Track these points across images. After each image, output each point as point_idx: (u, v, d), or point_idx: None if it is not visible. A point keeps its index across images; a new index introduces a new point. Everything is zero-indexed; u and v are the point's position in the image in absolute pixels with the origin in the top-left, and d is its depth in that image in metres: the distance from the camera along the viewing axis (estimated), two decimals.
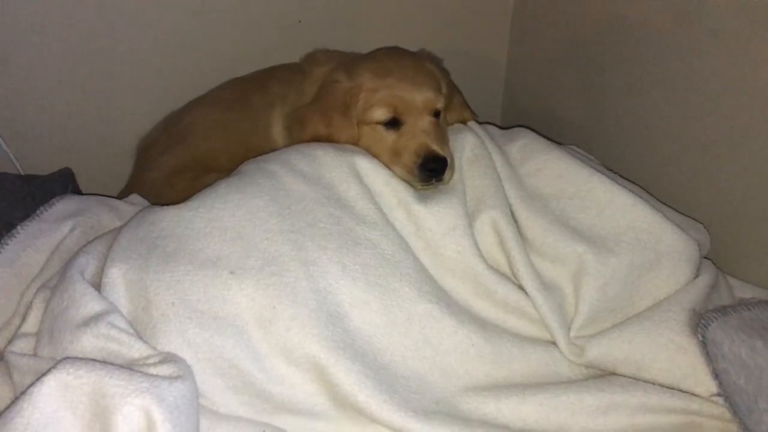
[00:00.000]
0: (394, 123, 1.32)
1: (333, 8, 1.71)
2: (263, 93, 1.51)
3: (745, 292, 1.26)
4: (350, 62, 1.41)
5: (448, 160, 1.29)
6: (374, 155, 1.31)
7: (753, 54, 1.21)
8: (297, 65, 1.54)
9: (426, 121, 1.32)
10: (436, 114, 1.35)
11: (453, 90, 1.46)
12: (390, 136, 1.32)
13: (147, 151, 1.54)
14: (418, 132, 1.31)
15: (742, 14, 1.21)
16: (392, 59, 1.39)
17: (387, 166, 1.30)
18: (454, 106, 1.45)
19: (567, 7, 1.69)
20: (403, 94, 1.31)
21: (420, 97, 1.32)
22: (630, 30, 1.49)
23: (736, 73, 1.25)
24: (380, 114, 1.32)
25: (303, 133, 1.37)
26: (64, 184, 1.42)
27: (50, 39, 1.49)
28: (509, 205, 1.28)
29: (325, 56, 1.50)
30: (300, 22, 1.69)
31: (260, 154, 1.31)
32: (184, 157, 1.44)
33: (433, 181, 1.28)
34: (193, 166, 1.42)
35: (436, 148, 1.29)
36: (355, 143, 1.34)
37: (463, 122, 1.44)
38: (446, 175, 1.29)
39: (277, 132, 1.47)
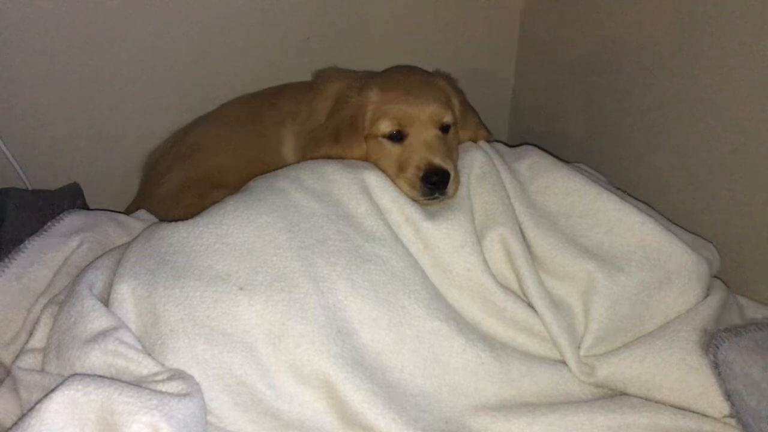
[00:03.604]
0: (398, 136, 1.32)
1: (340, 27, 1.72)
2: (274, 111, 1.51)
3: (755, 312, 1.25)
4: (362, 79, 1.42)
5: (451, 174, 1.27)
6: (381, 169, 1.31)
7: (757, 70, 1.21)
8: (307, 83, 1.54)
9: (430, 134, 1.32)
10: (444, 129, 1.34)
11: (467, 109, 1.46)
12: (395, 149, 1.33)
13: (155, 166, 1.55)
14: (421, 145, 1.31)
15: (744, 34, 1.21)
16: (402, 75, 1.41)
17: (393, 180, 1.29)
18: (469, 126, 1.44)
19: (573, 28, 1.70)
20: (406, 107, 1.31)
21: (424, 109, 1.31)
22: (633, 50, 1.49)
23: (741, 90, 1.25)
24: (385, 126, 1.32)
25: (315, 152, 1.37)
26: (72, 199, 1.43)
27: (58, 54, 1.49)
28: (518, 223, 1.28)
29: (336, 73, 1.50)
30: (308, 39, 1.70)
31: (269, 171, 1.31)
32: (191, 174, 1.44)
33: (437, 195, 1.27)
34: (200, 182, 1.41)
35: (437, 161, 1.28)
36: (364, 158, 1.34)
37: (476, 141, 1.43)
38: (450, 189, 1.28)
39: (288, 149, 1.48)
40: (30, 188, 1.54)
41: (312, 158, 1.36)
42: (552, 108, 1.87)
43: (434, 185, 1.27)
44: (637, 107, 1.52)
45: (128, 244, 1.15)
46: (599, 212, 1.28)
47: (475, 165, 1.34)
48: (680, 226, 1.33)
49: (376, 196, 1.26)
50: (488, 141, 1.44)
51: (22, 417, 0.85)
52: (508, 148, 1.44)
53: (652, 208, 1.36)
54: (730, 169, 1.31)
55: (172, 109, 1.62)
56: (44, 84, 1.52)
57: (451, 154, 1.34)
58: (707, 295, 1.22)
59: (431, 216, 1.24)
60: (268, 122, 1.50)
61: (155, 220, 1.34)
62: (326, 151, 1.35)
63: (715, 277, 1.29)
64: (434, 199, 1.28)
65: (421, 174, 1.27)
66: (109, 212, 1.35)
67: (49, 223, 1.24)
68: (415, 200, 1.28)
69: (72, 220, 1.26)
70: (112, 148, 1.64)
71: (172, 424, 0.84)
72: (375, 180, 1.27)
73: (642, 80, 1.49)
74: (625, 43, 1.52)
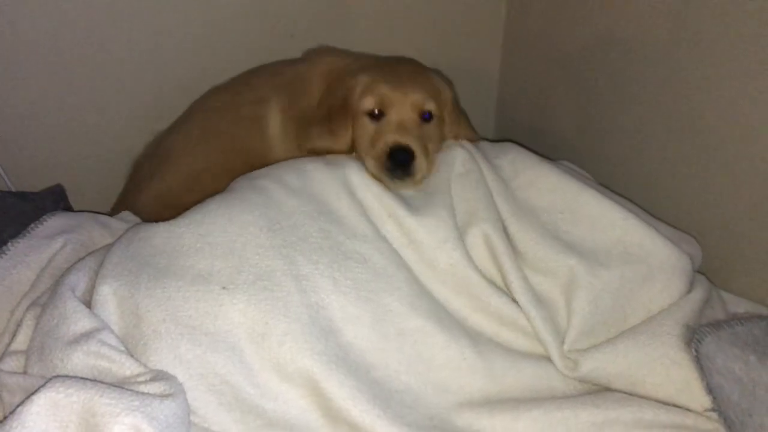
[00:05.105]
0: (378, 115, 1.34)
1: (325, 23, 1.72)
2: (250, 90, 1.50)
3: (738, 306, 1.26)
4: (358, 61, 1.45)
5: (416, 153, 1.28)
6: (357, 146, 1.35)
7: (745, 68, 1.22)
8: (286, 60, 1.54)
9: (407, 117, 1.33)
10: (425, 117, 1.35)
11: (457, 110, 1.47)
12: (371, 126, 1.34)
13: (136, 172, 1.53)
14: (394, 125, 1.32)
15: (733, 29, 1.22)
16: (398, 63, 1.44)
17: (363, 156, 1.32)
18: (456, 126, 1.45)
19: (559, 21, 1.70)
20: (391, 88, 1.33)
21: (407, 94, 1.33)
22: (622, 45, 1.50)
23: (728, 87, 1.26)
24: (367, 103, 1.34)
25: (307, 133, 1.39)
26: (55, 200, 1.42)
27: (41, 56, 1.49)
28: (501, 219, 1.28)
29: (331, 50, 1.52)
30: (292, 36, 1.70)
31: (251, 160, 1.32)
32: (168, 180, 1.43)
33: (401, 175, 1.28)
34: (178, 191, 1.40)
35: (404, 140, 1.29)
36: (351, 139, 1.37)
37: (457, 138, 1.44)
38: (416, 171, 1.29)
39: (274, 125, 1.47)
40: (13, 190, 1.53)
41: (304, 140, 1.39)
42: (538, 103, 1.88)
43: (398, 164, 1.27)
44: (626, 102, 1.53)
45: (111, 246, 1.15)
46: (581, 208, 1.28)
47: (457, 162, 1.34)
48: (663, 221, 1.34)
49: (358, 193, 1.26)
50: (474, 141, 1.44)
51: (4, 420, 0.85)
52: (489, 144, 1.45)
53: (636, 202, 1.37)
54: (714, 164, 1.32)
55: (156, 110, 1.61)
56: (27, 85, 1.51)
57: (428, 143, 1.34)
58: (690, 290, 1.23)
59: (414, 212, 1.25)
60: (245, 102, 1.48)
61: (139, 221, 1.34)
62: (318, 130, 1.38)
63: (698, 272, 1.29)
64: (399, 180, 1.28)
65: (387, 150, 1.28)
66: (92, 214, 1.34)
67: (32, 225, 1.23)
68: (380, 179, 1.29)
69: (55, 221, 1.25)
70: (96, 150, 1.64)
71: (154, 425, 0.84)
72: (357, 177, 1.27)
73: (629, 74, 1.50)
74: (612, 37, 1.52)
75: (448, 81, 1.48)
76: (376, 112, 1.34)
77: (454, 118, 1.44)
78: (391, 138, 1.30)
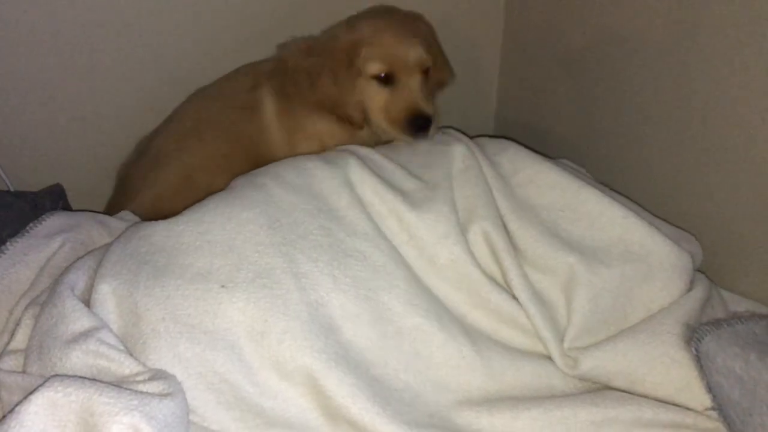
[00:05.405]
0: (387, 79, 1.40)
1: (326, 24, 1.70)
2: (240, 80, 1.51)
3: (738, 305, 1.25)
4: (347, 20, 1.47)
5: (433, 119, 1.40)
6: (366, 109, 1.42)
7: (747, 67, 1.21)
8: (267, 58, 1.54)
9: (416, 80, 1.41)
10: (425, 72, 1.42)
11: (439, 50, 1.54)
12: (383, 91, 1.40)
13: (124, 180, 1.52)
14: (408, 90, 1.40)
15: (735, 28, 1.22)
16: (390, 16, 1.46)
17: (376, 119, 1.42)
18: (438, 65, 1.51)
19: (559, 20, 1.70)
20: (398, 51, 1.39)
21: (412, 54, 1.39)
22: (622, 44, 1.49)
23: (729, 87, 1.25)
24: (376, 68, 1.39)
25: (313, 92, 1.41)
26: (54, 200, 1.42)
27: (39, 55, 1.48)
28: (501, 216, 1.28)
29: (299, 40, 1.50)
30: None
31: (248, 153, 1.34)
32: (161, 184, 1.42)
33: (417, 136, 1.39)
34: (171, 195, 1.40)
35: (423, 106, 1.39)
36: (359, 100, 1.42)
37: (442, 82, 1.54)
38: (431, 131, 1.40)
39: (270, 110, 1.47)
40: (12, 189, 1.53)
41: (305, 100, 1.42)
42: (538, 102, 1.87)
43: (418, 128, 1.38)
44: (626, 101, 1.52)
45: (109, 245, 1.15)
46: (581, 206, 1.28)
47: (457, 158, 1.35)
48: (663, 219, 1.34)
49: (357, 190, 1.26)
50: (451, 79, 1.55)
51: (2, 419, 0.85)
52: (488, 141, 1.45)
53: (636, 201, 1.37)
54: (714, 162, 1.32)
55: (157, 111, 1.60)
56: (26, 84, 1.51)
57: (431, 96, 1.44)
58: (690, 289, 1.23)
59: (415, 207, 1.25)
60: (237, 92, 1.49)
61: (138, 220, 1.33)
62: (324, 89, 1.40)
63: (698, 270, 1.29)
64: (415, 139, 1.40)
65: (409, 117, 1.38)
66: (91, 213, 1.34)
67: (31, 224, 1.23)
68: (396, 139, 1.42)
69: (54, 220, 1.25)
70: (95, 150, 1.63)
71: (153, 424, 0.83)
72: (356, 173, 1.27)
73: (629, 73, 1.49)
74: (613, 36, 1.52)
75: (426, 23, 1.54)
76: (382, 75, 1.39)
77: (438, 59, 1.51)
78: (412, 106, 1.39)
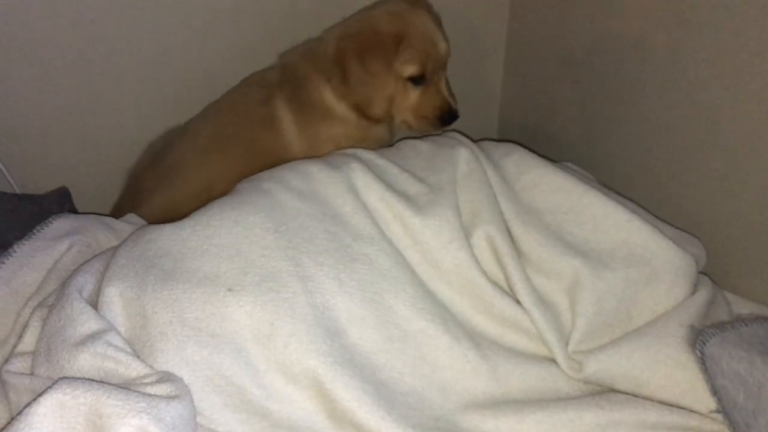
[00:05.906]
0: (419, 78, 1.43)
1: (328, 25, 1.72)
2: (252, 93, 1.50)
3: (742, 307, 1.26)
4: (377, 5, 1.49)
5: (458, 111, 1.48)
6: (394, 108, 1.46)
7: (749, 67, 1.22)
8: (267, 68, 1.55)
9: (444, 76, 1.47)
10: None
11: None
12: (415, 90, 1.45)
13: (136, 184, 1.52)
14: (439, 88, 1.47)
15: (737, 28, 1.22)
16: (418, 10, 1.46)
17: (403, 116, 1.47)
18: None
19: (563, 23, 1.70)
20: (433, 51, 1.42)
21: (444, 52, 1.45)
22: (627, 46, 1.49)
23: (732, 88, 1.26)
24: (413, 71, 1.42)
25: (347, 83, 1.41)
26: (61, 203, 1.42)
27: (46, 58, 1.49)
28: (505, 220, 1.28)
29: (296, 46, 1.52)
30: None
31: (275, 158, 1.35)
32: (176, 192, 1.42)
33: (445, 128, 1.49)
34: (186, 203, 1.36)
35: (453, 103, 1.48)
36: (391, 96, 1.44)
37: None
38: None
39: (287, 120, 1.46)
40: (18, 192, 1.54)
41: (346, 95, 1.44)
42: (542, 105, 1.87)
43: (448, 123, 1.48)
44: (630, 104, 1.52)
45: (117, 248, 1.15)
46: (585, 209, 1.28)
47: (461, 162, 1.35)
48: (667, 222, 1.34)
49: (362, 195, 1.26)
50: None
51: (11, 421, 0.85)
52: (492, 144, 1.45)
53: (640, 204, 1.37)
54: (718, 165, 1.32)
55: (160, 115, 1.61)
56: (32, 86, 1.51)
57: (448, 84, 1.51)
58: (694, 292, 1.23)
59: (420, 212, 1.25)
60: (252, 104, 1.48)
61: (144, 223, 1.34)
62: (359, 80, 1.40)
63: (702, 273, 1.29)
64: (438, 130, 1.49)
65: (442, 116, 1.47)
66: (98, 216, 1.34)
67: (37, 227, 1.23)
68: (419, 131, 1.50)
69: (61, 223, 1.26)
70: (101, 152, 1.64)
71: (161, 426, 0.84)
72: (361, 178, 1.27)
73: (633, 76, 1.49)
74: (616, 38, 1.52)
75: (430, 6, 1.54)
76: (419, 76, 1.43)
77: None
78: (443, 106, 1.46)
